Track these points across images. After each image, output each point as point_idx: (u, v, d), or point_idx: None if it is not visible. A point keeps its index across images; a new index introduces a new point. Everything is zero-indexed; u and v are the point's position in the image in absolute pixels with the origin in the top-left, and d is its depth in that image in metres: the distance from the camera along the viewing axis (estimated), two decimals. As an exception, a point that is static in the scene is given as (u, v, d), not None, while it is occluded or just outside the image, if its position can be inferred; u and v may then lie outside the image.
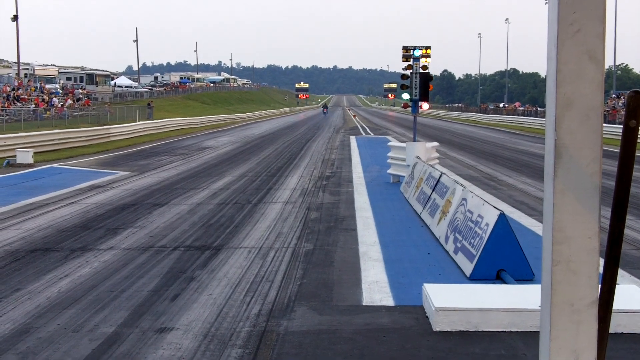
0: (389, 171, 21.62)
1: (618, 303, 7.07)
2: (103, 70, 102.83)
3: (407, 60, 26.71)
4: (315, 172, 24.80)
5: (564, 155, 2.22)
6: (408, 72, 26.32)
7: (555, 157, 2.22)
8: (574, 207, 2.23)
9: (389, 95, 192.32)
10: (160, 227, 13.46)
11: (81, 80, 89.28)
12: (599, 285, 2.32)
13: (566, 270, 2.26)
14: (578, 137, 2.22)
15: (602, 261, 2.57)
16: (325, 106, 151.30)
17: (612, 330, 6.99)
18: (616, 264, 2.32)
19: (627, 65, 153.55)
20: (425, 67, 26.54)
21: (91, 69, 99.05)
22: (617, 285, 7.99)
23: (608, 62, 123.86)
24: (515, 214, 14.83)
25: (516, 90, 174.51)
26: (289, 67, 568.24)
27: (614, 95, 63.46)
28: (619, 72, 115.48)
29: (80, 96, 70.68)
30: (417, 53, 26.74)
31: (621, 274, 9.70)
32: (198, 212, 15.44)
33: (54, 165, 26.75)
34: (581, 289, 2.28)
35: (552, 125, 2.24)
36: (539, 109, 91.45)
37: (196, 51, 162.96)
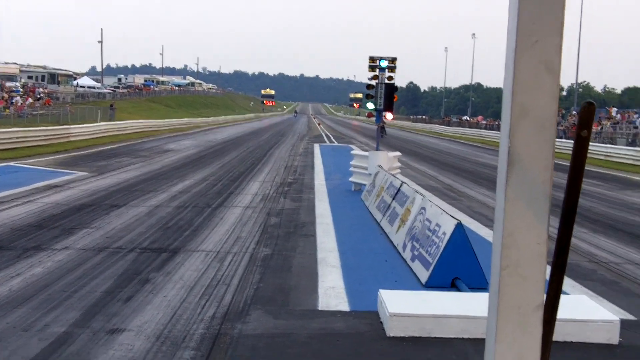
0: (351, 179, 21.67)
1: (568, 312, 7.21)
2: (66, 70, 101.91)
3: (373, 70, 26.85)
4: (278, 178, 24.77)
5: (516, 163, 2.24)
6: (374, 82, 26.45)
7: (508, 164, 2.24)
8: (524, 214, 2.25)
9: (355, 105, 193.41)
10: (117, 229, 13.33)
11: (43, 79, 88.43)
12: (545, 291, 2.34)
13: (514, 274, 2.28)
14: (532, 146, 2.24)
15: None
16: (295, 111, 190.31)
17: (561, 339, 7.10)
18: (563, 270, 2.34)
19: (588, 83, 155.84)
20: (390, 78, 26.70)
21: (54, 69, 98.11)
22: (568, 296, 8.07)
23: (570, 80, 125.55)
24: (472, 225, 14.93)
25: (480, 104, 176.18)
26: (256, 73, 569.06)
27: (574, 112, 64.27)
28: (580, 89, 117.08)
29: (41, 95, 69.92)
30: (384, 64, 26.90)
31: (572, 284, 9.84)
32: (156, 214, 15.33)
33: (11, 163, 26.41)
34: (528, 293, 2.29)
35: (507, 134, 2.26)
36: (500, 122, 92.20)
37: (162, 54, 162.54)
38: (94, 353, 6.56)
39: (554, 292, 2.32)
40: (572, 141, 2.31)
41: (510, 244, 2.27)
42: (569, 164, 2.30)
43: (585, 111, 2.33)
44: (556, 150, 2.27)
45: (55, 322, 7.51)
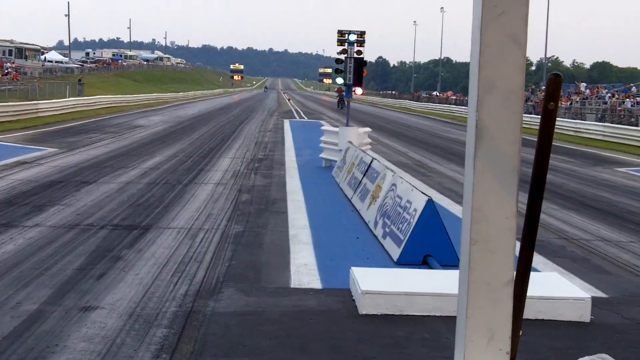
0: (322, 155, 21.67)
1: (539, 290, 7.29)
2: (33, 45, 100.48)
3: (342, 45, 26.76)
4: (248, 155, 24.71)
5: (484, 137, 2.25)
6: (342, 56, 26.38)
7: (476, 138, 2.25)
8: (492, 188, 2.27)
9: (325, 81, 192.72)
10: (88, 206, 13.26)
11: (10, 54, 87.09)
12: (515, 265, 2.36)
13: (484, 249, 2.30)
14: (499, 119, 2.25)
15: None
16: (265, 87, 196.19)
17: (532, 316, 7.18)
18: (532, 245, 2.36)
19: (557, 57, 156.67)
20: (359, 52, 26.63)
21: (21, 43, 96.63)
22: (539, 273, 8.16)
23: (539, 55, 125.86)
24: (443, 201, 15.01)
25: (449, 79, 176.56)
26: (224, 47, 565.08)
27: (543, 87, 64.60)
28: (549, 64, 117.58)
29: (9, 70, 69.00)
30: (352, 38, 26.82)
31: (543, 262, 9.93)
32: (127, 191, 15.25)
33: (-20, 140, 26.12)
34: (498, 268, 2.32)
35: (475, 107, 2.28)
36: (468, 96, 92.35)
37: (129, 28, 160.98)
38: (66, 331, 6.55)
39: (523, 267, 2.34)
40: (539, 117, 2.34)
41: (479, 219, 2.29)
42: (534, 140, 2.32)
43: (552, 83, 2.35)
44: (526, 126, 2.30)
45: (27, 299, 7.48)
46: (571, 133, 41.57)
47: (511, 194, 2.28)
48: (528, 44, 2.25)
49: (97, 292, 7.84)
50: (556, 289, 7.75)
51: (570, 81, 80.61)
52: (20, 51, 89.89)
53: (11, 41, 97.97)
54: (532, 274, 2.44)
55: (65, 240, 10.41)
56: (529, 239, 2.34)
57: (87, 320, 6.87)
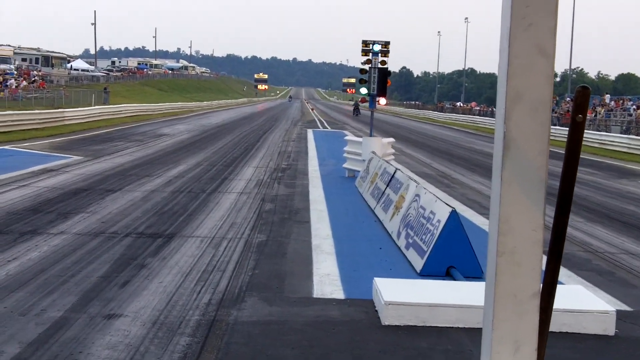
0: (345, 165, 21.67)
1: (564, 303, 7.24)
2: (60, 53, 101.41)
3: (366, 55, 26.79)
4: (271, 164, 24.77)
5: (511, 148, 2.25)
6: (367, 66, 26.40)
7: (503, 149, 2.25)
8: (519, 199, 2.26)
9: (348, 90, 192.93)
10: (113, 213, 13.34)
11: (37, 62, 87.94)
12: (542, 278, 2.35)
13: (510, 261, 2.29)
14: (526, 130, 2.25)
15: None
16: (290, 96, 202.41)
17: (556, 329, 7.13)
18: (559, 257, 2.35)
19: (582, 69, 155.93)
20: (384, 63, 26.64)
21: (47, 51, 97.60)
22: (563, 286, 8.11)
23: (564, 66, 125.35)
24: (467, 212, 14.96)
25: (473, 90, 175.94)
26: (249, 57, 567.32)
27: (568, 99, 64.26)
28: (574, 75, 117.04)
29: (36, 78, 69.66)
30: (377, 48, 26.84)
31: (568, 274, 9.86)
32: (152, 199, 15.34)
33: (6, 147, 26.35)
34: (524, 280, 2.30)
35: (502, 118, 2.27)
36: (494, 109, 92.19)
37: (155, 37, 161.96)
38: (90, 338, 6.58)
39: (550, 280, 2.33)
40: (566, 128, 2.33)
41: (506, 231, 2.28)
42: (563, 152, 2.31)
43: (580, 95, 2.34)
44: (551, 137, 2.28)
45: (52, 306, 7.53)
46: (596, 145, 41.30)
47: (538, 206, 2.27)
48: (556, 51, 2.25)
49: (121, 300, 7.88)
50: (581, 301, 7.69)
51: (595, 93, 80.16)
52: (47, 59, 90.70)
53: (38, 49, 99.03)
54: (557, 287, 2.43)
55: (90, 247, 10.47)
56: (556, 252, 2.33)
57: (111, 328, 6.90)
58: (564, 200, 2.29)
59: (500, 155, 2.24)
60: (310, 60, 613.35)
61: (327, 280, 9.16)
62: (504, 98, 2.24)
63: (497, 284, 2.29)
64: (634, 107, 51.23)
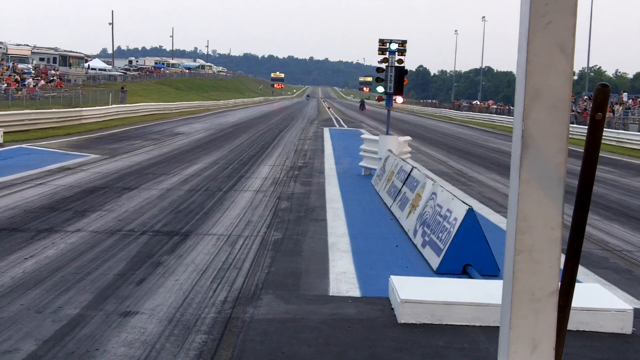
0: (361, 164, 21.65)
1: (581, 301, 7.20)
2: (77, 52, 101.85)
3: (383, 53, 26.75)
4: (288, 162, 24.77)
5: (530, 146, 2.23)
6: (383, 65, 26.37)
7: (522, 147, 2.23)
8: (538, 197, 2.24)
9: (364, 89, 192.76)
10: (129, 211, 13.38)
11: (54, 61, 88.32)
12: (560, 276, 2.33)
13: (528, 259, 2.27)
14: (545, 127, 2.23)
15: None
16: (307, 95, 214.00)
17: (574, 327, 7.09)
18: (578, 255, 2.33)
19: (600, 67, 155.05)
20: (400, 61, 26.60)
21: (65, 51, 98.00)
22: (581, 284, 8.04)
23: (581, 64, 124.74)
24: (483, 210, 14.91)
25: (490, 88, 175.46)
26: (265, 56, 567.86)
27: (585, 97, 63.93)
28: (591, 74, 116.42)
29: (54, 77, 69.99)
30: (393, 46, 26.80)
31: (585, 272, 9.80)
32: (168, 197, 15.37)
33: (24, 145, 26.48)
34: (542, 279, 2.29)
35: (520, 116, 2.25)
36: (511, 107, 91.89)
37: (172, 36, 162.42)
38: (107, 336, 6.60)
39: (568, 278, 2.31)
40: (584, 126, 2.31)
41: (524, 229, 2.27)
42: (581, 150, 2.29)
43: (599, 93, 2.32)
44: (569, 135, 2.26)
45: (69, 304, 7.56)
46: (614, 143, 41.06)
47: (557, 204, 2.25)
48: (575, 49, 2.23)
49: (137, 298, 7.90)
50: (598, 300, 7.65)
51: (613, 91, 79.70)
52: (65, 59, 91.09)
53: (55, 49, 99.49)
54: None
55: (107, 245, 10.51)
56: (574, 250, 2.31)
57: (127, 325, 6.92)
58: (583, 198, 2.27)
59: (518, 153, 2.22)
60: (326, 59, 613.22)
61: (343, 278, 9.15)
62: (523, 96, 2.22)
63: (515, 282, 2.28)
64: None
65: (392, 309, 7.73)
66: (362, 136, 23.50)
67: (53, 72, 74.85)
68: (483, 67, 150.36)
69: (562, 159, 2.23)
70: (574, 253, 2.32)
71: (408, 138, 22.74)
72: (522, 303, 2.30)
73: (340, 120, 69.59)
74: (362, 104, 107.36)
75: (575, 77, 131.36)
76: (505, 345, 2.35)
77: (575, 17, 2.22)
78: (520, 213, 2.26)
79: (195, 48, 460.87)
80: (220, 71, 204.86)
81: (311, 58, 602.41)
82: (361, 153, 21.86)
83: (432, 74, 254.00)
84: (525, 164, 2.24)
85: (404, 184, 14.21)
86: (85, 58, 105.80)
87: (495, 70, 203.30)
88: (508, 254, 2.32)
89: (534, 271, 2.28)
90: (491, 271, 9.30)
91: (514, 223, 2.28)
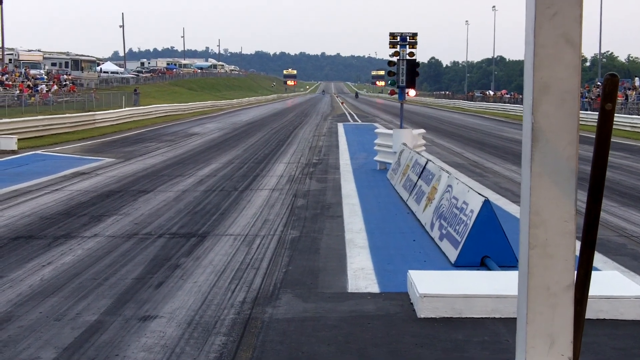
0: (376, 158, 21.61)
1: (600, 289, 7.16)
2: (89, 56, 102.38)
3: (394, 47, 26.66)
4: (303, 159, 24.77)
5: (540, 139, 2.20)
6: (395, 58, 26.30)
7: (532, 140, 2.21)
8: (550, 191, 2.22)
9: (377, 83, 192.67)
10: (145, 215, 13.41)
11: (66, 66, 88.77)
12: (576, 269, 2.31)
13: (543, 253, 2.25)
14: (554, 121, 2.20)
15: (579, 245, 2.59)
16: (323, 90, 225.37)
17: (593, 316, 7.05)
18: (592, 247, 2.31)
19: (612, 53, 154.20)
20: (412, 54, 26.52)
21: (76, 55, 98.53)
22: (599, 272, 8.00)
23: (593, 50, 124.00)
24: (500, 201, 14.85)
25: (503, 78, 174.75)
26: (277, 53, 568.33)
27: (599, 84, 63.56)
28: (604, 60, 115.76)
29: (66, 82, 70.29)
30: (404, 40, 26.72)
31: (604, 260, 9.74)
32: (184, 199, 15.40)
33: (38, 151, 26.59)
34: (557, 273, 2.26)
35: (529, 109, 2.23)
36: (523, 98, 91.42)
37: (183, 37, 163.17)
38: (126, 341, 6.61)
39: (584, 271, 2.29)
40: (597, 113, 2.28)
41: (537, 223, 2.24)
42: (592, 137, 2.26)
43: (608, 84, 2.30)
44: (582, 123, 2.24)
45: (87, 310, 7.58)
46: (628, 129, 40.83)
47: (569, 197, 2.23)
48: (582, 39, 2.20)
49: (156, 301, 7.91)
50: (617, 287, 7.60)
51: (626, 76, 79.17)
52: (77, 63, 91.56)
53: (67, 53, 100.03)
54: (592, 273, 2.38)
55: (124, 249, 10.53)
56: (589, 241, 2.29)
57: (147, 330, 6.93)
58: (595, 189, 2.25)
59: (529, 147, 2.20)
60: (338, 54, 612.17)
61: (361, 274, 9.13)
62: (531, 90, 2.20)
63: (530, 278, 2.26)
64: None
65: (412, 303, 7.71)
66: (376, 130, 23.48)
67: (65, 76, 75.18)
68: (495, 56, 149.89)
69: (573, 152, 2.21)
70: (589, 244, 2.30)
71: (422, 131, 22.70)
72: (538, 298, 2.28)
73: (354, 115, 69.55)
74: (357, 94, 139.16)
75: (587, 64, 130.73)
76: (523, 340, 2.33)
77: (582, 8, 2.19)
78: (532, 207, 2.24)
79: (207, 47, 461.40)
80: (233, 70, 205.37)
81: (323, 54, 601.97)
82: (376, 147, 21.81)
83: (444, 65, 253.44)
84: (537, 157, 2.22)
85: (419, 177, 14.17)
86: (97, 61, 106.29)
87: (507, 60, 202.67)
88: (522, 249, 2.30)
89: (549, 265, 2.26)
90: (510, 262, 9.25)
91: (527, 217, 2.26)
